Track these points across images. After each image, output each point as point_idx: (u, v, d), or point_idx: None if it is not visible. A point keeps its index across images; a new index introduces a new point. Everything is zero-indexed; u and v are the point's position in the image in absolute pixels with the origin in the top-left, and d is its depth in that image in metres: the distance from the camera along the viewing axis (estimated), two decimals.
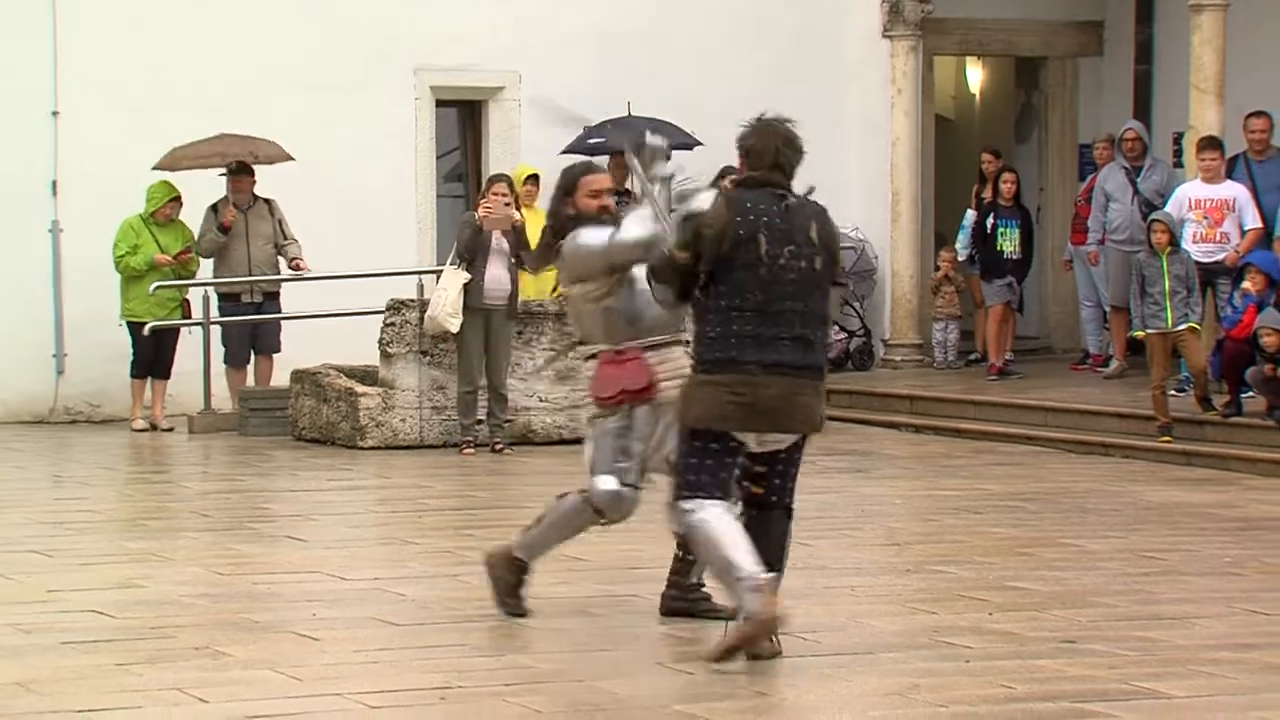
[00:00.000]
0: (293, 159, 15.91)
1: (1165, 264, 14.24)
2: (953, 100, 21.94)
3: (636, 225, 8.05)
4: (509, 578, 8.45)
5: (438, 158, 17.94)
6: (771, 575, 7.45)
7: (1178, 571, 9.93)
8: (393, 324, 14.76)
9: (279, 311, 16.14)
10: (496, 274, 14.31)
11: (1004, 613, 8.73)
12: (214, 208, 15.90)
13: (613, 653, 7.89)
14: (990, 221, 17.54)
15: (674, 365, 8.21)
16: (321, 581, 9.38)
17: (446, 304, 14.22)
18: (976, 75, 21.81)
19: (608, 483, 8.20)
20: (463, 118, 18.27)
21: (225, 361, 15.95)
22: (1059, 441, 14.91)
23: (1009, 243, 17.48)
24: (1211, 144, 15.51)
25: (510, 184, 14.78)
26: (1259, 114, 15.92)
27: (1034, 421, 15.51)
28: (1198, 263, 14.66)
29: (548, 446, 14.74)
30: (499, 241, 14.29)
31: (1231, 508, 12.12)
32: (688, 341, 8.10)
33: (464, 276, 14.25)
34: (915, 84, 18.82)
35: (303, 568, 9.76)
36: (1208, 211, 15.33)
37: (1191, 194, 15.47)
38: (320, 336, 15.79)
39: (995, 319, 17.59)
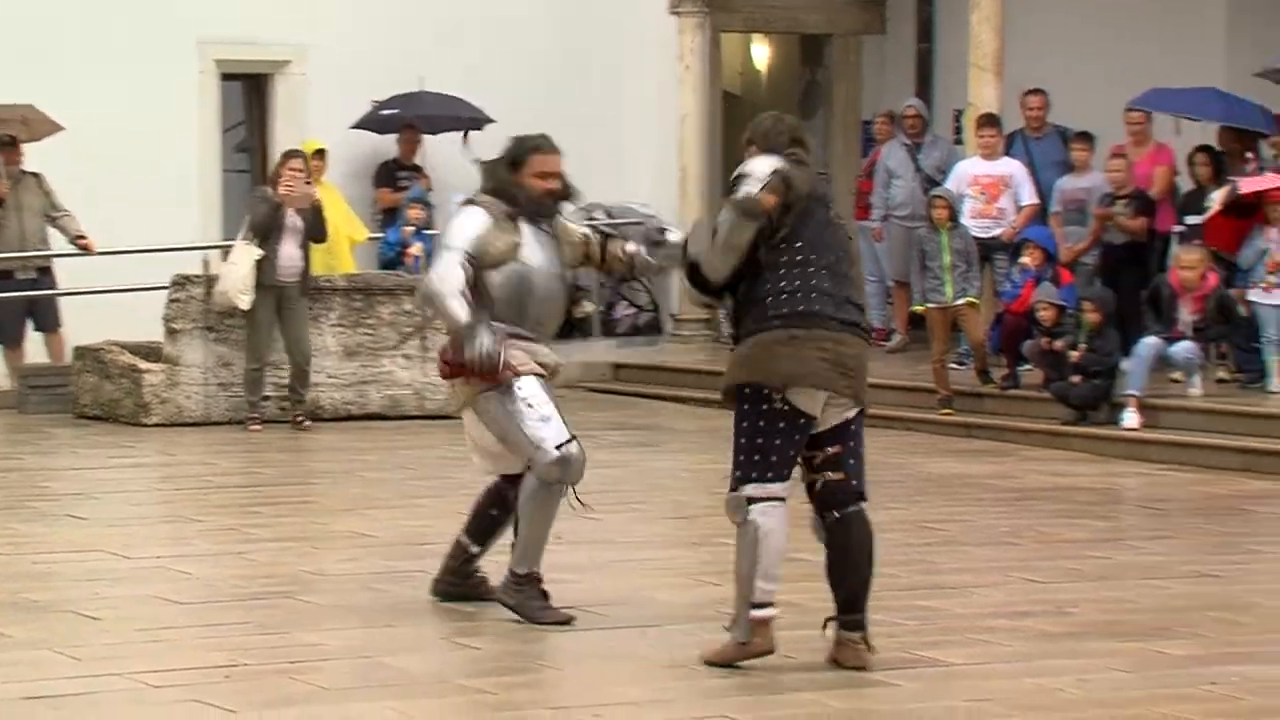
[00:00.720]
0: (63, 129, 15.60)
1: (945, 239, 14.45)
2: (740, 77, 22.07)
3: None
4: (531, 595, 7.94)
5: (223, 131, 17.70)
6: (773, 612, 7.17)
7: (957, 542, 10.09)
8: (178, 300, 14.55)
9: (54, 287, 15.82)
10: (290, 251, 14.18)
11: (788, 584, 8.71)
12: None
13: (399, 628, 7.85)
14: None
15: (541, 357, 8.16)
16: (103, 560, 9.23)
17: (238, 280, 14.06)
18: (763, 52, 21.95)
19: (547, 454, 7.88)
20: (248, 91, 18.05)
21: None
22: None
23: None
24: (990, 121, 15.75)
25: (305, 160, 14.62)
26: (1036, 91, 16.19)
27: None
28: (976, 238, 14.89)
29: (335, 422, 14.62)
30: (293, 219, 14.16)
31: (1009, 478, 12.33)
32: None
33: (256, 253, 14.09)
34: (703, 61, 18.91)
35: (84, 546, 9.60)
36: (985, 187, 15.56)
37: (970, 170, 15.71)
38: (103, 313, 15.49)
39: None
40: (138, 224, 16.15)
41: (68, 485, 11.91)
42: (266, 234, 14.08)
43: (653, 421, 15.06)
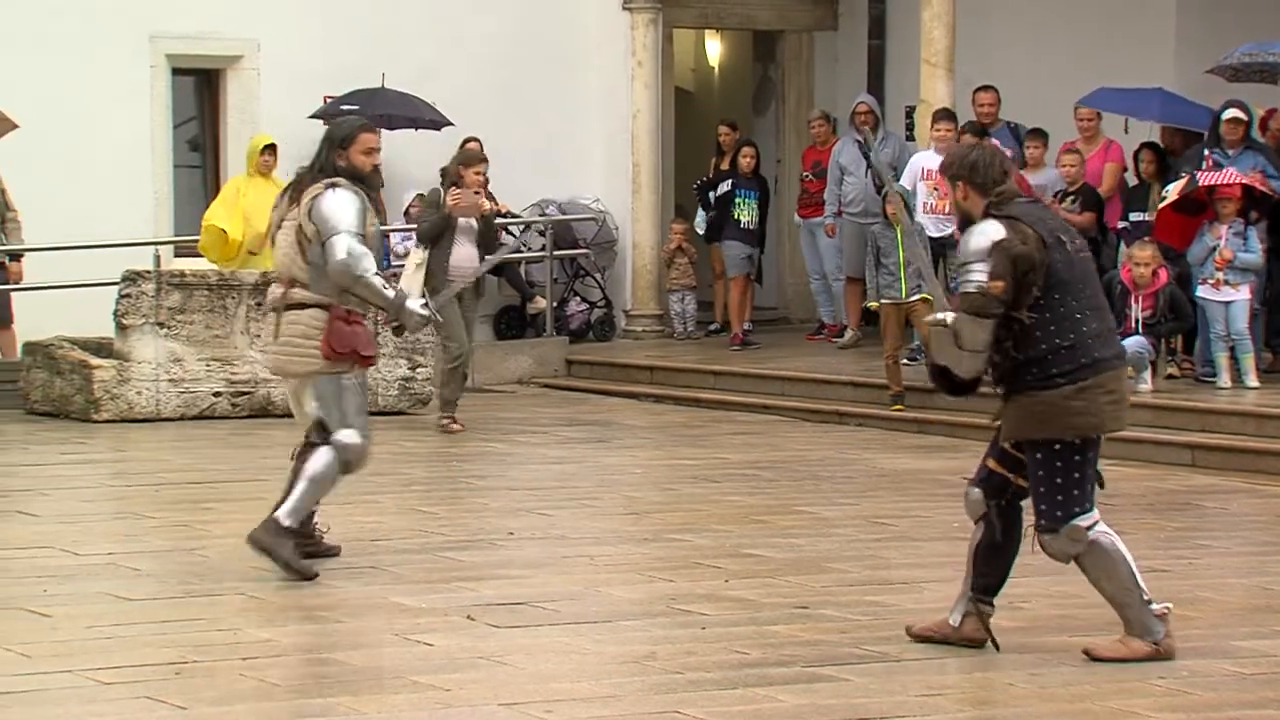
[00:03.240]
0: (18, 126, 15.54)
1: (899, 236, 14.48)
2: (692, 73, 22.10)
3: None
4: (284, 543, 8.57)
5: (175, 127, 17.64)
6: (1168, 605, 7.39)
7: (908, 537, 10.11)
8: (129, 295, 14.50)
9: (6, 284, 15.75)
10: (466, 252, 13.91)
11: (740, 580, 8.82)
12: None
13: (350, 624, 7.84)
14: (728, 187, 17.64)
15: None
16: (53, 557, 9.19)
17: (404, 285, 13.79)
18: (715, 48, 21.98)
19: (355, 436, 8.69)
20: (200, 86, 17.99)
21: None
22: (795, 410, 15.10)
23: (746, 212, 17.66)
24: (946, 115, 15.79)
25: (485, 165, 14.20)
26: (986, 88, 16.25)
27: (771, 391, 15.70)
28: (930, 236, 14.91)
29: (287, 419, 14.54)
30: (468, 220, 13.92)
31: (961, 474, 12.29)
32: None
33: (421, 256, 13.87)
34: (655, 57, 18.92)
35: (34, 543, 9.56)
36: (938, 183, 15.58)
37: (925, 164, 15.72)
38: (54, 308, 15.44)
39: (737, 290, 17.77)
40: (89, 219, 16.11)
41: (18, 482, 11.83)
42: (435, 239, 13.82)
43: (604, 417, 15.07)
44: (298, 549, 8.63)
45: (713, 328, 18.72)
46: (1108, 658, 7.30)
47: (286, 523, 8.58)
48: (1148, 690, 7.01)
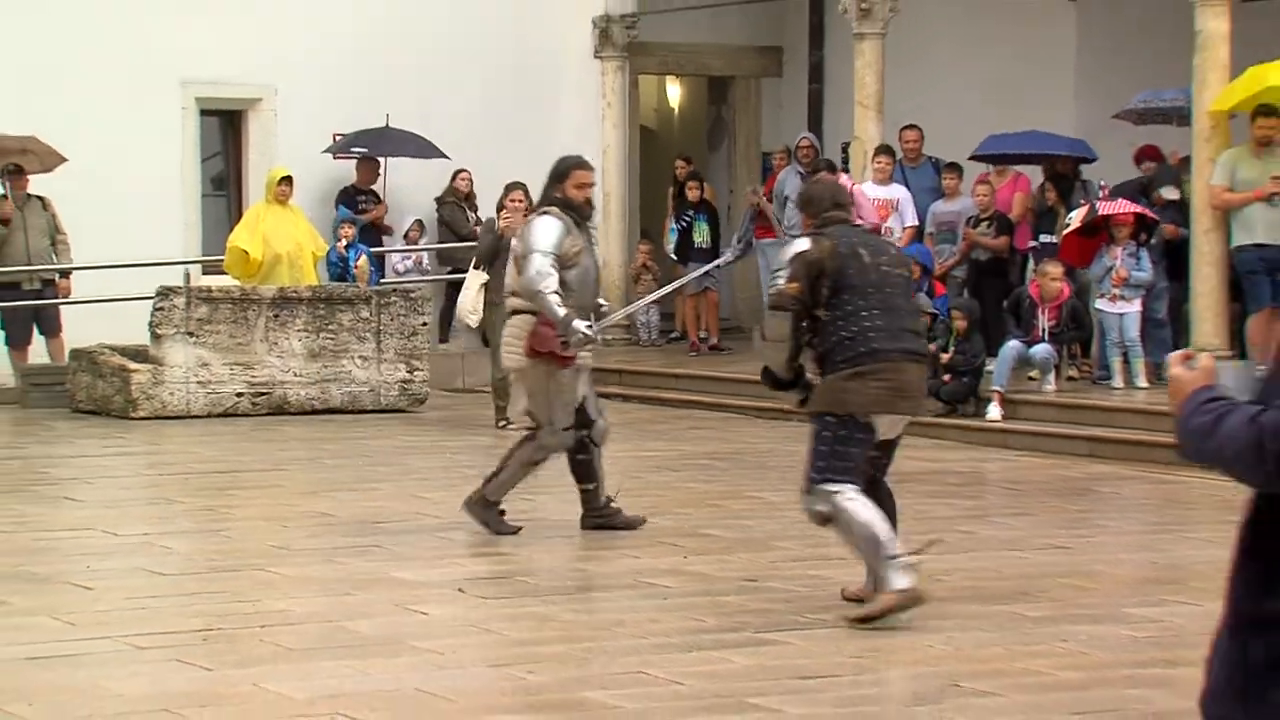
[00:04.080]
0: (66, 159, 15.51)
1: None
2: (655, 113, 22.10)
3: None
4: (493, 514, 9.06)
5: (202, 161, 17.61)
6: (917, 557, 7.38)
7: None
8: (162, 308, 14.46)
9: (56, 298, 15.72)
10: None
11: (697, 556, 8.83)
12: None
13: (356, 596, 7.82)
14: (687, 217, 17.76)
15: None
16: (96, 537, 9.17)
17: (467, 302, 13.62)
18: (675, 92, 21.99)
19: (550, 437, 9.03)
20: (224, 125, 17.95)
21: (6, 343, 15.52)
22: (746, 408, 15.10)
23: (700, 235, 17.76)
24: (885, 150, 15.85)
25: (526, 190, 13.60)
26: (911, 126, 16.29)
27: (725, 391, 15.70)
28: None
29: (301, 416, 14.56)
30: (517, 244, 13.66)
31: None
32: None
33: (482, 277, 13.59)
34: (623, 99, 18.93)
35: (79, 525, 9.54)
36: (876, 209, 15.61)
37: (865, 193, 15.74)
38: (97, 319, 15.40)
39: (692, 304, 17.80)
40: (128, 242, 16.07)
41: (65, 471, 11.82)
42: (491, 260, 13.51)
43: None
44: (499, 515, 9.06)
45: (674, 336, 18.72)
46: (865, 616, 7.26)
47: (493, 498, 9.04)
48: (1051, 652, 7.03)
